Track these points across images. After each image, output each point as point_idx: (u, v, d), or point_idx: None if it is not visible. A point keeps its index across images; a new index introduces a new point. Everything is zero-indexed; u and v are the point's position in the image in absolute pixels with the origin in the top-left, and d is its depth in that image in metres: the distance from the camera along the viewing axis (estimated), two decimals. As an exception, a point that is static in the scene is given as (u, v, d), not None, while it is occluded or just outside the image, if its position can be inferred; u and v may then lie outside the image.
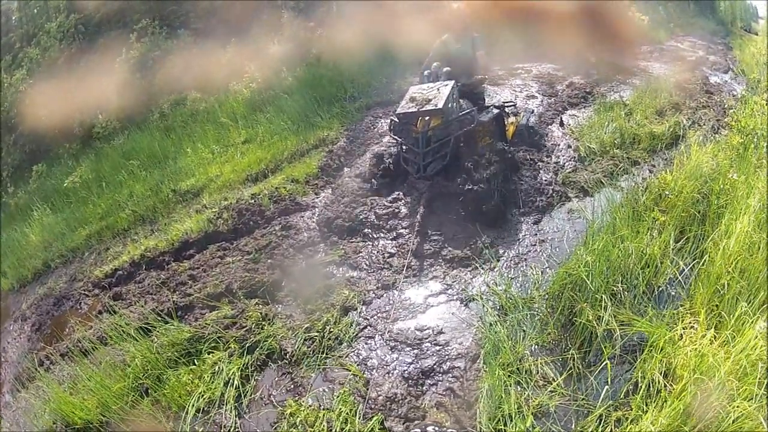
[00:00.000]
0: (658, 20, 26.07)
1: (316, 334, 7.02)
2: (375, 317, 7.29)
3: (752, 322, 5.68)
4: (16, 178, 18.28)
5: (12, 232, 14.59)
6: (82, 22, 20.66)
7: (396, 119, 10.06)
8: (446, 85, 9.80)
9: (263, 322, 7.35)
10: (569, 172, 10.30)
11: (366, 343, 6.91)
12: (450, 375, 6.27)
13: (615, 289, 6.54)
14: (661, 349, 5.68)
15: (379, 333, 7.00)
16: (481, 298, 7.19)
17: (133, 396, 6.66)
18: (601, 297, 6.34)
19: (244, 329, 7.22)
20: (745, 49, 24.38)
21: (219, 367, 6.70)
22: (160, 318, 7.59)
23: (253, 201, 10.51)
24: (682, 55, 22.85)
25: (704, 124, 12.38)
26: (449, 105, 9.56)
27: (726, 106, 14.03)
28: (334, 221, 9.40)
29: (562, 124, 12.78)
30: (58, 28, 20.77)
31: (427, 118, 9.54)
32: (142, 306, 8.36)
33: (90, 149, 17.82)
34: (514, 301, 6.94)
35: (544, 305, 6.86)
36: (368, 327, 7.16)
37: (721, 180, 8.47)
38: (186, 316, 7.88)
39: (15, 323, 10.60)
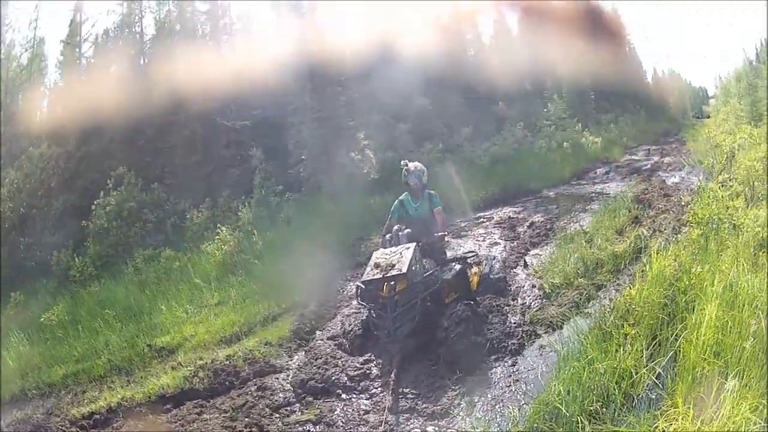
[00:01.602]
0: (611, 139, 26.66)
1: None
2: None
3: (730, 393, 5.81)
4: (-8, 296, 17.99)
5: (-11, 350, 14.34)
6: (64, 157, 21.32)
7: (362, 286, 10.13)
8: (408, 248, 10.02)
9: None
10: (536, 311, 10.51)
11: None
12: None
13: (592, 409, 6.59)
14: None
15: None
16: None
17: None
18: (578, 419, 6.42)
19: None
20: (698, 136, 25.17)
21: None
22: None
23: (228, 362, 10.55)
24: (637, 166, 23.60)
25: (665, 229, 12.68)
26: (413, 267, 9.73)
27: (683, 203, 14.34)
28: (308, 382, 9.47)
29: (525, 265, 13.05)
30: (40, 157, 21.39)
31: (392, 282, 9.65)
32: None
33: (66, 290, 17.90)
34: None
35: None
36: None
37: (685, 277, 8.63)
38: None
39: (-3, 440, 10.53)
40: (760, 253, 9.23)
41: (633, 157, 26.25)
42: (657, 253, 9.63)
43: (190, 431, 8.73)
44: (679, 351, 7.09)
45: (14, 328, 15.45)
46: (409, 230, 10.55)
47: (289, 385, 9.70)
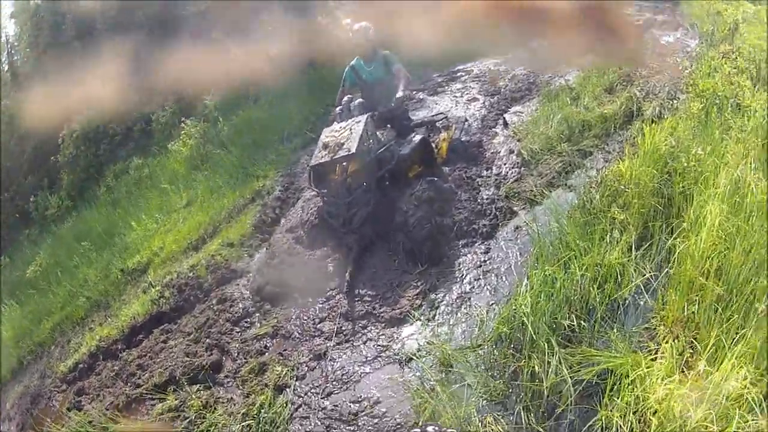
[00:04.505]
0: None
1: (252, 420, 6.77)
2: (309, 393, 7.03)
3: (729, 346, 5.08)
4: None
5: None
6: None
7: (311, 171, 9.49)
8: (358, 121, 9.25)
9: (204, 411, 7.20)
10: (513, 183, 9.77)
11: (301, 425, 6.67)
12: (389, 449, 5.87)
13: (567, 323, 5.94)
14: (632, 382, 5.07)
15: (314, 411, 6.75)
16: (419, 358, 6.71)
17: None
18: (547, 342, 5.75)
19: (187, 420, 7.15)
20: (693, 1, 24.27)
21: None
22: (114, 416, 7.62)
23: (191, 274, 10.44)
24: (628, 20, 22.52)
25: (659, 92, 11.69)
26: (364, 145, 9.01)
27: (681, 67, 13.20)
28: (265, 288, 9.03)
29: (506, 124, 12.19)
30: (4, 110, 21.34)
31: (344, 163, 8.99)
32: (101, 401, 8.40)
33: (47, 233, 18.36)
34: (454, 355, 6.39)
35: (491, 351, 6.34)
36: (302, 405, 6.89)
37: (684, 158, 7.78)
38: (139, 408, 7.81)
39: (4, 424, 10.67)
40: (771, 147, 8.46)
41: (623, 11, 25.13)
42: (651, 124, 8.94)
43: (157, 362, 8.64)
44: (673, 251, 6.38)
45: (4, 296, 15.67)
46: (361, 100, 9.80)
47: (248, 293, 9.51)
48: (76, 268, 14.56)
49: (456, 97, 14.97)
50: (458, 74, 17.02)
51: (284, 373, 7.31)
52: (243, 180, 14.08)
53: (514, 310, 6.28)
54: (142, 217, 15.02)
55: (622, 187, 7.62)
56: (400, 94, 9.98)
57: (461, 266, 8.21)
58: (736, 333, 5.15)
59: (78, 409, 8.45)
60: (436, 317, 7.40)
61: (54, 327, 12.61)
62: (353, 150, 8.73)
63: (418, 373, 6.52)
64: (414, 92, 10.74)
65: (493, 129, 12.20)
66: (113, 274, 12.96)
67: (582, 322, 5.93)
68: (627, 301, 6.22)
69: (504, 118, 12.51)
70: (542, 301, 6.14)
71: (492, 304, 7.24)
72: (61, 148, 19.89)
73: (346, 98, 9.86)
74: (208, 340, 8.54)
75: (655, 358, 5.22)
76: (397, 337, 7.34)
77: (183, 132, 17.15)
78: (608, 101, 11.58)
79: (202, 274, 10.21)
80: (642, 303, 6.15)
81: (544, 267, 6.62)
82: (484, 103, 14.04)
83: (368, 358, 7.16)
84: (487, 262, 8.18)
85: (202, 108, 18.21)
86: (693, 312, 5.53)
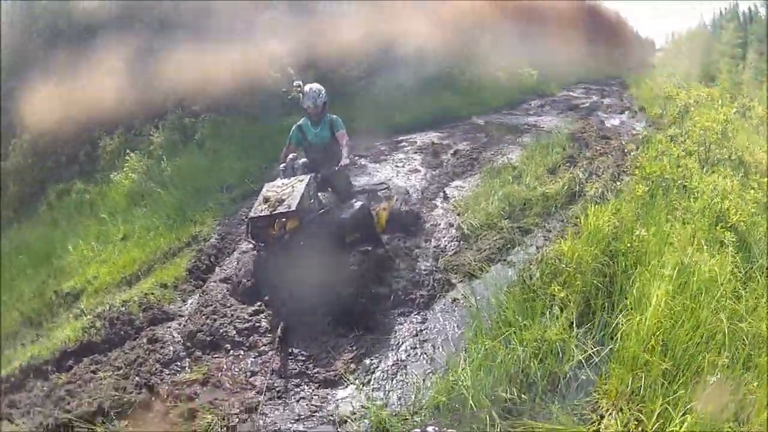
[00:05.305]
0: (548, 73, 26.25)
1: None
2: (239, 446, 6.68)
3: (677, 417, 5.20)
4: None
5: None
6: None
7: (251, 223, 9.38)
8: (301, 180, 9.25)
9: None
10: (451, 256, 9.84)
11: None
12: None
13: (507, 397, 5.95)
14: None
15: (243, 464, 6.37)
16: (353, 420, 6.57)
17: None
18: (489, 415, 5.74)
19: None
20: (642, 84, 24.83)
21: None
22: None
23: (123, 309, 9.86)
24: (575, 103, 23.12)
25: (603, 174, 12.13)
26: (305, 203, 9.00)
27: (627, 150, 13.77)
28: (197, 335, 8.71)
29: (446, 197, 12.32)
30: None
31: (283, 219, 8.87)
32: (31, 418, 7.95)
33: None
34: (389, 421, 6.27)
35: (427, 419, 6.18)
36: (232, 457, 6.54)
37: (627, 238, 7.97)
38: (67, 434, 7.46)
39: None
40: (718, 229, 8.55)
41: (571, 93, 25.87)
42: (594, 205, 9.07)
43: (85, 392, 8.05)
44: (616, 328, 6.53)
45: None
46: (305, 160, 9.93)
47: (179, 337, 9.12)
48: (12, 281, 14.18)
49: (398, 166, 15.13)
50: (401, 144, 17.16)
51: (214, 422, 7.03)
52: (181, 223, 13.83)
53: (453, 381, 6.27)
54: (79, 242, 14.49)
55: (563, 265, 7.73)
56: (345, 161, 10.00)
57: (397, 334, 8.22)
58: (684, 406, 5.23)
59: (9, 421, 8.13)
60: (371, 382, 7.33)
61: (-14, 334, 12.60)
62: (293, 207, 8.72)
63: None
64: (356, 158, 10.73)
65: (433, 201, 12.30)
66: (47, 295, 12.52)
67: (522, 395, 5.94)
68: (568, 376, 6.25)
69: (444, 191, 12.64)
70: (482, 374, 6.16)
71: (429, 372, 7.22)
72: (11, 155, 19.49)
73: (290, 156, 9.94)
74: (137, 378, 8.14)
75: (598, 430, 5.30)
76: (332, 399, 7.18)
77: (126, 165, 17.07)
78: (550, 181, 11.83)
79: (135, 311, 9.74)
80: (583, 377, 6.21)
81: (484, 341, 6.65)
82: (425, 175, 14.21)
83: (301, 417, 6.96)
84: (424, 332, 8.20)
85: (147, 144, 18.30)
86: (638, 386, 5.60)
